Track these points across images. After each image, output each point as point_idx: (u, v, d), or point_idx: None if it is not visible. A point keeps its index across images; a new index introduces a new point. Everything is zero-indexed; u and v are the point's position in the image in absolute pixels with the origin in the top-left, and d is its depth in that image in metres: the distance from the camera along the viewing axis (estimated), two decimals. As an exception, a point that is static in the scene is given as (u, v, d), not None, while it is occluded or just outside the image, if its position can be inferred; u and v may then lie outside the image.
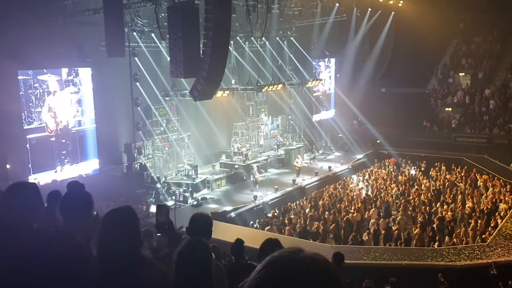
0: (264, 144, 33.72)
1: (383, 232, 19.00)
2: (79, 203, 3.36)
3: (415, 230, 18.76)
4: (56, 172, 22.10)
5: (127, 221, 3.02)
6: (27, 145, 21.21)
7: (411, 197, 23.62)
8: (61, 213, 3.33)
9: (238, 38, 30.28)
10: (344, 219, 20.34)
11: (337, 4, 31.28)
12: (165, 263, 3.22)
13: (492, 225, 18.96)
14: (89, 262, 3.07)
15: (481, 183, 25.35)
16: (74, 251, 3.11)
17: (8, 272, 2.99)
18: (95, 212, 3.59)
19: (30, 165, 21.20)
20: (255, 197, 24.23)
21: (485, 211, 20.70)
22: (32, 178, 20.69)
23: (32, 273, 2.91)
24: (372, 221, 20.04)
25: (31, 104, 21.38)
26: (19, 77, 20.85)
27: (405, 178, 27.41)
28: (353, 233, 18.88)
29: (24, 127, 21.12)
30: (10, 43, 18.60)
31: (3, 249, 3.10)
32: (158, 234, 5.63)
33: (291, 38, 34.57)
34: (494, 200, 22.09)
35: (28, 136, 21.26)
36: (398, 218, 20.45)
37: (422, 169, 29.46)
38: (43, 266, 2.89)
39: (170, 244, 4.35)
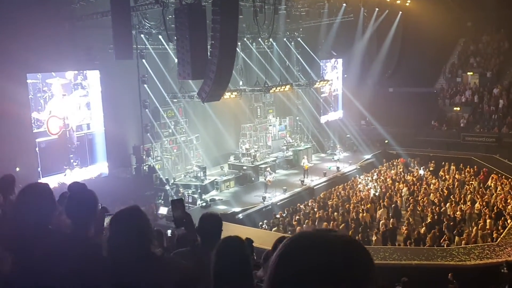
0: (272, 145, 33.71)
1: (390, 232, 18.96)
2: (85, 202, 3.40)
3: (424, 230, 18.68)
4: (65, 175, 22.16)
5: (134, 220, 3.06)
6: (37, 149, 21.31)
7: (419, 197, 23.53)
8: (68, 216, 3.36)
9: (245, 39, 30.29)
10: (357, 217, 20.35)
11: (344, 4, 31.23)
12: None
13: (501, 224, 18.84)
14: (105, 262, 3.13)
15: (491, 182, 25.20)
16: (93, 252, 3.17)
17: (28, 273, 3.04)
18: (100, 206, 3.63)
19: (39, 169, 21.28)
20: (264, 198, 24.24)
21: (495, 211, 20.57)
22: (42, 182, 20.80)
23: (52, 274, 2.96)
24: (382, 221, 19.99)
25: (40, 107, 21.48)
26: (28, 81, 20.93)
27: (414, 178, 27.31)
28: (361, 233, 18.85)
29: (34, 131, 21.21)
30: (19, 47, 18.69)
31: (21, 250, 3.15)
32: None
33: (298, 38, 34.59)
34: (503, 199, 21.96)
35: (37, 140, 21.34)
36: (406, 218, 20.42)
37: (431, 168, 29.34)
38: (63, 267, 2.94)
39: (189, 237, 4.33)
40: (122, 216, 3.10)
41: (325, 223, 19.97)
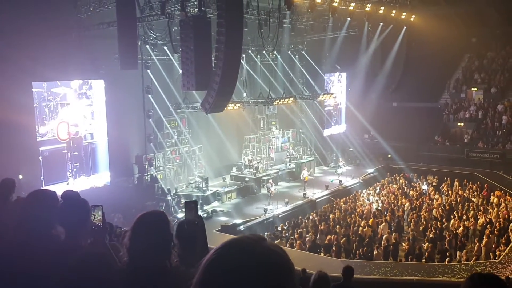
0: (275, 157, 33.71)
1: (392, 247, 18.87)
2: (78, 211, 3.40)
3: (425, 246, 18.59)
4: (68, 184, 22.16)
5: (160, 224, 3.03)
6: (40, 157, 21.34)
7: (422, 212, 23.43)
8: (61, 224, 3.36)
9: (250, 51, 30.46)
10: (358, 231, 20.28)
11: (349, 19, 31.32)
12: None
13: (503, 242, 18.73)
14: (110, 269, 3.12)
15: (494, 199, 25.08)
16: (88, 261, 3.17)
17: (27, 276, 3.05)
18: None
19: (42, 177, 21.29)
20: (265, 210, 24.18)
21: (498, 227, 20.46)
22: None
23: (46, 280, 2.97)
24: (385, 236, 19.89)
25: (44, 116, 21.55)
26: (33, 90, 21.03)
27: (417, 193, 27.23)
28: (364, 248, 18.73)
29: (37, 139, 21.26)
30: (25, 55, 18.77)
31: (22, 255, 3.16)
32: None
33: (303, 52, 34.72)
34: (506, 216, 21.84)
35: (41, 148, 21.38)
36: (409, 234, 20.31)
37: (434, 184, 29.24)
38: (56, 275, 2.94)
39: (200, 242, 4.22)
40: (147, 217, 3.06)
41: (328, 236, 19.89)
